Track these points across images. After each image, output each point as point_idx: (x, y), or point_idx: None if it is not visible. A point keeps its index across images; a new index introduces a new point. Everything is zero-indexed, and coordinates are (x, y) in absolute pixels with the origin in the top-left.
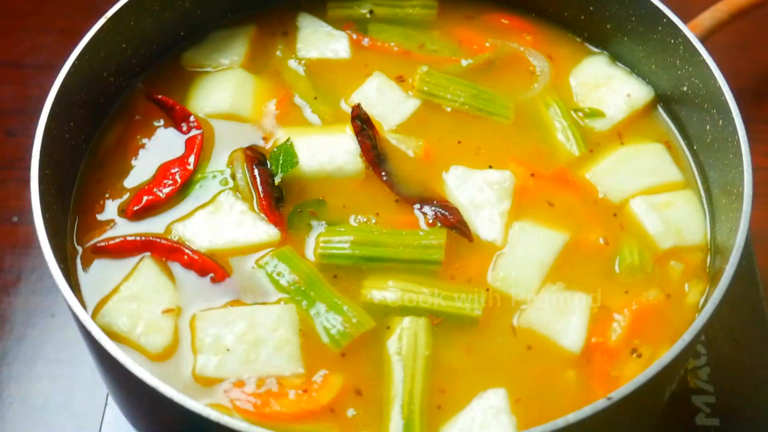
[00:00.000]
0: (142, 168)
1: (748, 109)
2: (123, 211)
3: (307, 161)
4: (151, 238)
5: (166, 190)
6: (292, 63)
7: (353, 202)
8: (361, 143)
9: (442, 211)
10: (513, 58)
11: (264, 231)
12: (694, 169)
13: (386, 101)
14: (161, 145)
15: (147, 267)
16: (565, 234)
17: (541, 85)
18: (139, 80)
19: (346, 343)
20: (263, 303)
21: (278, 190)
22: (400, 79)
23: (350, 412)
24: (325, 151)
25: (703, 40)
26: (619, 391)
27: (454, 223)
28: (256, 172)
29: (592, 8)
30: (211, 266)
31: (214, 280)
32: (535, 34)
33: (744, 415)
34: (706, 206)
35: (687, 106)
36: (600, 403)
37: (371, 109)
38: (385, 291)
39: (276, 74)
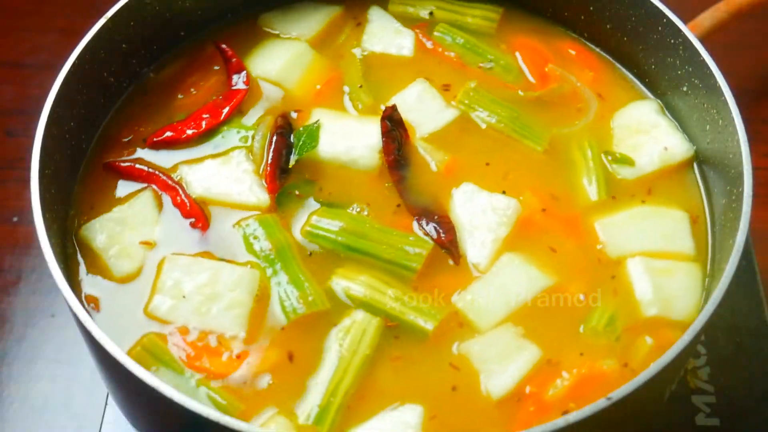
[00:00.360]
0: (182, 106)
1: (748, 109)
2: (144, 140)
3: (325, 146)
4: (156, 172)
5: (189, 132)
6: (356, 51)
7: (354, 194)
8: (384, 143)
9: (438, 228)
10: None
11: (256, 195)
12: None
13: (425, 109)
14: (210, 91)
15: (145, 198)
16: (551, 279)
17: (583, 123)
18: (150, 70)
19: (296, 317)
20: (231, 261)
21: (287, 162)
22: (445, 88)
23: (266, 381)
24: (347, 140)
25: (703, 40)
26: (619, 391)
27: (445, 242)
28: (275, 138)
29: (591, 8)
30: (196, 213)
31: (193, 225)
32: (597, 72)
33: (744, 415)
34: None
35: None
36: (600, 403)
37: (408, 114)
38: (352, 282)
39: (337, 57)
